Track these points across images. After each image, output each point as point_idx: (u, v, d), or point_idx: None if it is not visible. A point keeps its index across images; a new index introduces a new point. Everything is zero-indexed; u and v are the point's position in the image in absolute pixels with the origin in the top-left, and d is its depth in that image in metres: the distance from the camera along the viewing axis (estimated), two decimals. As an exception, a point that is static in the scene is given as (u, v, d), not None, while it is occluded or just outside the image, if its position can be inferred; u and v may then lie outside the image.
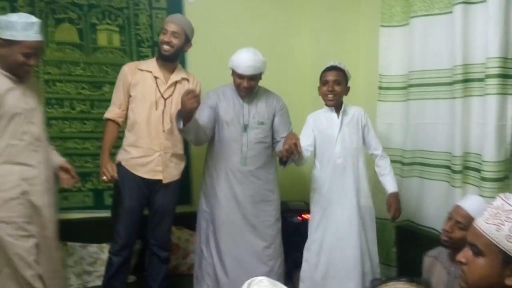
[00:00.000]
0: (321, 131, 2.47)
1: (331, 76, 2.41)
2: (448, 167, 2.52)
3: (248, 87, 2.46)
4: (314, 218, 2.49)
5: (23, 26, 2.04)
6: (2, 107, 2.10)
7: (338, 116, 2.46)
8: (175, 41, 2.44)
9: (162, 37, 2.46)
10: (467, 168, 2.42)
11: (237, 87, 2.49)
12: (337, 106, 2.47)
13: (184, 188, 2.94)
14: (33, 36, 2.07)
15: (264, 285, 0.95)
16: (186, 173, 2.87)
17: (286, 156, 2.24)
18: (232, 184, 2.49)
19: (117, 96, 2.52)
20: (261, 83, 2.60)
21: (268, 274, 2.50)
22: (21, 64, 2.10)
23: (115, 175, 2.39)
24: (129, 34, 3.03)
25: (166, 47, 2.45)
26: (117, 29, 3.01)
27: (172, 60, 2.52)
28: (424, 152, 2.72)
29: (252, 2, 3.39)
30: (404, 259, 2.75)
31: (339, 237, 2.40)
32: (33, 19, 2.10)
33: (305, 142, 2.42)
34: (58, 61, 2.87)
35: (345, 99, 3.37)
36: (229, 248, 2.49)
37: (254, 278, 0.97)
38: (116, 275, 2.46)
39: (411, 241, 2.68)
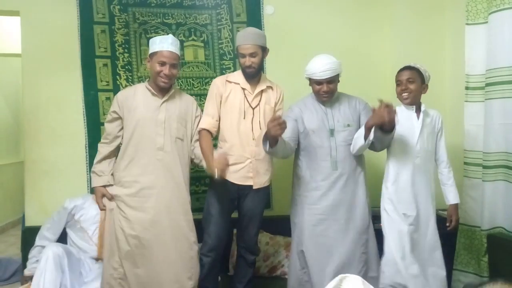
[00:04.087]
0: (401, 130, 2.40)
1: (404, 76, 2.43)
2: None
3: (328, 91, 2.48)
4: (388, 214, 2.43)
5: (160, 40, 2.48)
6: (134, 115, 2.46)
7: (418, 116, 2.42)
8: (255, 61, 2.52)
9: (243, 61, 2.54)
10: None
11: (317, 93, 2.52)
12: (416, 106, 2.43)
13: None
14: (166, 47, 2.46)
15: (357, 284, 0.93)
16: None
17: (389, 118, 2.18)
18: (323, 191, 2.47)
19: (210, 106, 2.59)
20: (341, 86, 2.61)
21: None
22: (158, 72, 2.46)
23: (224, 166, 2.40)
24: (213, 49, 3.24)
25: (249, 70, 2.54)
26: (202, 44, 3.24)
27: (258, 75, 2.62)
28: (510, 154, 2.54)
29: (330, 9, 3.44)
30: (497, 269, 2.56)
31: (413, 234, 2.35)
32: (169, 35, 2.53)
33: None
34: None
35: (431, 100, 3.31)
36: (320, 260, 2.44)
37: (348, 274, 0.95)
38: (207, 275, 2.59)
39: (505, 249, 2.49)
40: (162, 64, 2.43)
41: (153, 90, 2.51)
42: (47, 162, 3.02)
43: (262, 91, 2.62)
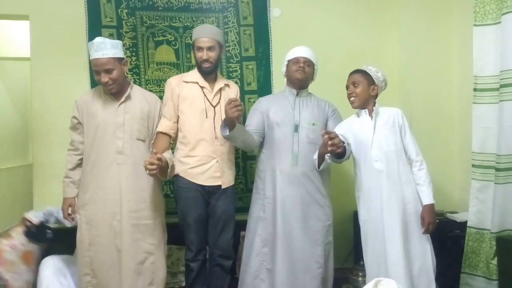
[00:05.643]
0: (356, 136, 2.40)
1: (349, 80, 2.42)
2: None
3: (304, 67, 2.54)
4: (362, 226, 2.41)
5: (89, 48, 2.35)
6: (94, 120, 2.40)
7: (371, 118, 2.38)
8: (212, 55, 2.49)
9: (200, 55, 2.49)
10: None
11: (294, 73, 2.55)
12: (370, 109, 2.40)
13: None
14: (93, 55, 2.34)
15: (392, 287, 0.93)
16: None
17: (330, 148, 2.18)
18: (281, 186, 2.50)
19: (167, 109, 2.53)
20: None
21: (314, 279, 2.48)
22: (99, 81, 2.39)
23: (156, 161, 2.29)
24: (220, 51, 3.24)
25: (206, 64, 2.50)
26: (209, 47, 3.24)
27: (214, 71, 2.58)
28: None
29: (337, 12, 3.44)
30: (506, 272, 2.53)
31: (382, 243, 2.29)
32: (95, 40, 2.33)
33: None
34: (158, 80, 3.18)
35: (439, 103, 3.29)
36: (278, 253, 2.48)
37: (382, 278, 0.95)
38: (197, 279, 2.56)
39: (514, 253, 2.47)
40: (97, 73, 2.36)
41: (108, 94, 2.44)
42: (55, 165, 3.03)
43: (220, 89, 2.59)
